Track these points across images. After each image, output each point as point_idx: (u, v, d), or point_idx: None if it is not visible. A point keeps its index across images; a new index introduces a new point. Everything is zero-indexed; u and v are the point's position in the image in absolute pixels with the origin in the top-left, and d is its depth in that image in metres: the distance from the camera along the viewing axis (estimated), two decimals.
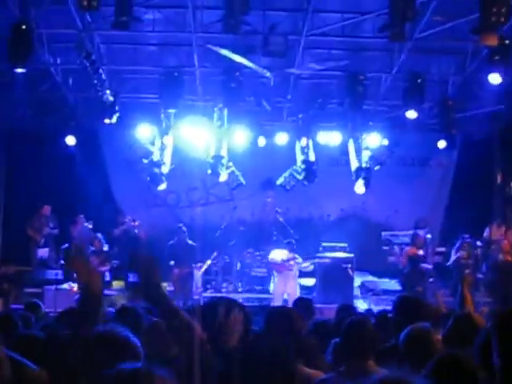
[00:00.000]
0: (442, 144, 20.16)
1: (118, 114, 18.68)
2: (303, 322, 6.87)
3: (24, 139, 20.51)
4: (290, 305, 13.28)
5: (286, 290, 17.86)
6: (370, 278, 20.02)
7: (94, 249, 18.02)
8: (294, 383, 3.56)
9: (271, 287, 18.72)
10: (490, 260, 17.96)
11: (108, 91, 18.18)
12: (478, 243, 18.69)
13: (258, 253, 19.88)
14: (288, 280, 18.28)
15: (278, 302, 16.81)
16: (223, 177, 20.09)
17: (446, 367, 4.04)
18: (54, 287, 17.98)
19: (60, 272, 19.16)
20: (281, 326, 6.01)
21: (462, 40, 16.17)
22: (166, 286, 18.53)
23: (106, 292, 17.75)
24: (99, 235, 18.68)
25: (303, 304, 9.45)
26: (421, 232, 18.53)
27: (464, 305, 7.97)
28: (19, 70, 15.35)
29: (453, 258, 17.77)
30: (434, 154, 21.28)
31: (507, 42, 14.64)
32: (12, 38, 14.53)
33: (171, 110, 18.55)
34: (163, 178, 19.70)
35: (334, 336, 6.74)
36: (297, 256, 18.56)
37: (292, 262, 18.40)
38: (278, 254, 18.62)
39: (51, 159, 19.53)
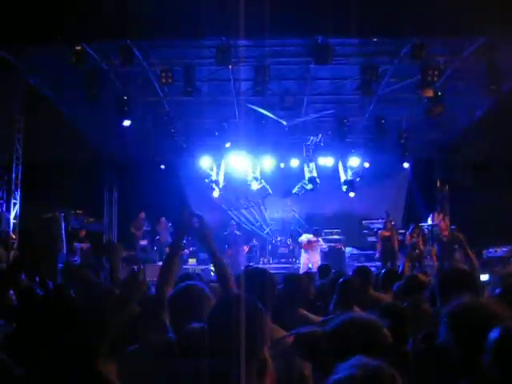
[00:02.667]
0: (406, 165, 20.24)
1: (187, 151, 18.90)
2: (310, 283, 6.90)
3: (130, 168, 20.72)
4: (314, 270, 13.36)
5: (311, 261, 17.76)
6: (355, 251, 19.89)
7: None
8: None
9: (301, 259, 18.57)
10: (433, 236, 17.85)
11: (181, 137, 18.44)
12: (425, 226, 18.58)
13: (281, 238, 19.90)
14: (313, 255, 18.22)
15: (303, 270, 16.73)
16: (255, 186, 20.07)
17: None
18: (151, 264, 18.12)
19: (155, 254, 19.35)
20: (291, 285, 5.97)
21: (410, 93, 16.13)
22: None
23: (184, 266, 17.96)
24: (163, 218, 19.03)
25: (325, 268, 9.49)
26: (389, 219, 18.44)
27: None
28: (126, 123, 15.50)
29: (407, 237, 17.61)
30: (395, 169, 21.14)
31: (439, 93, 14.62)
32: (116, 103, 14.75)
33: (227, 145, 18.52)
34: (218, 190, 19.88)
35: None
36: (320, 239, 18.52)
37: (315, 243, 18.33)
38: (306, 237, 18.58)
39: (145, 179, 19.58)
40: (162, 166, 19.92)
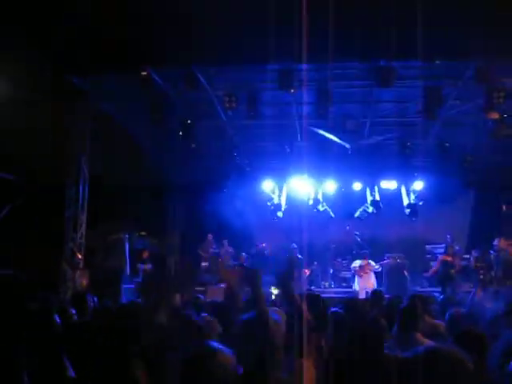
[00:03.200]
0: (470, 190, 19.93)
1: (250, 174, 19.07)
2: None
3: (193, 190, 21.00)
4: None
5: (366, 286, 17.62)
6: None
7: (239, 262, 18.17)
8: None
9: (355, 285, 18.44)
10: (500, 263, 17.39)
11: (244, 160, 18.63)
12: (491, 252, 18.14)
13: (344, 261, 19.74)
14: (367, 279, 18.11)
15: (362, 296, 16.60)
16: (317, 210, 20.05)
17: None
18: (213, 286, 18.24)
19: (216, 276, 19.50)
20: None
21: (475, 115, 15.92)
22: None
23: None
24: (244, 254, 18.91)
25: (377, 294, 9.44)
26: (452, 245, 18.11)
27: None
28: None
29: (472, 262, 17.28)
30: (459, 192, 20.80)
31: (505, 115, 14.38)
32: (180, 127, 15.06)
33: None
34: (279, 214, 19.93)
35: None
36: (370, 261, 18.38)
37: (367, 266, 18.24)
38: (358, 263, 18.49)
39: (208, 202, 19.78)
40: (225, 190, 20.07)
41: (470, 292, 12.63)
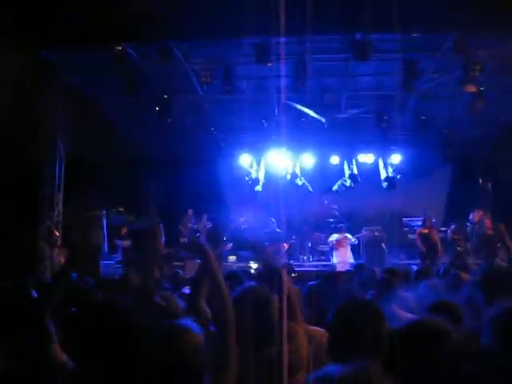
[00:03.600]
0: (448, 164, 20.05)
1: (227, 149, 18.99)
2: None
3: (170, 165, 20.82)
4: (345, 268, 13.28)
5: (343, 259, 17.73)
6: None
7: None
8: None
9: (333, 259, 18.52)
10: (476, 235, 17.55)
11: (220, 134, 18.54)
12: (468, 224, 18.31)
13: (322, 235, 19.75)
14: (344, 253, 18.23)
15: (339, 269, 16.68)
16: (295, 184, 20.12)
17: None
18: (191, 261, 18.23)
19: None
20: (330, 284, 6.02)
21: (452, 89, 15.95)
22: None
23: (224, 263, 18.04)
24: (205, 215, 18.86)
25: (360, 266, 9.51)
26: (429, 217, 18.22)
27: None
28: None
29: (449, 235, 17.41)
30: (436, 165, 20.89)
31: (482, 88, 14.39)
32: (156, 102, 14.90)
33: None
34: (258, 188, 19.91)
35: None
36: (347, 235, 18.48)
37: (344, 240, 18.35)
38: (334, 236, 18.59)
39: (185, 177, 19.68)
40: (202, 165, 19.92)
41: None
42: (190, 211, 20.18)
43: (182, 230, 19.95)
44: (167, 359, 2.81)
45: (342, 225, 18.98)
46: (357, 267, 9.40)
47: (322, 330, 4.37)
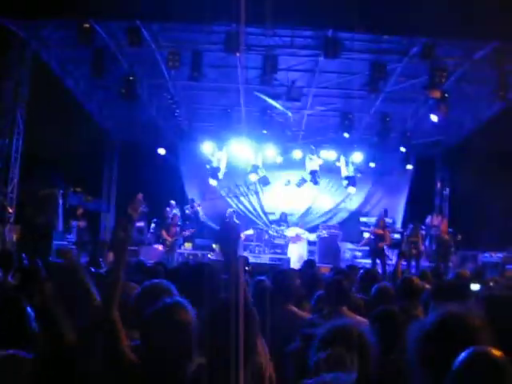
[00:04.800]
0: (409, 166, 20.21)
1: (190, 135, 18.88)
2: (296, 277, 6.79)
3: (131, 149, 20.60)
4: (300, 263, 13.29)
5: (299, 254, 17.79)
6: (351, 246, 19.84)
7: (173, 222, 17.86)
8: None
9: (288, 253, 18.60)
10: (431, 238, 17.81)
11: (184, 121, 18.43)
12: (423, 227, 18.55)
13: (278, 228, 19.75)
14: (300, 248, 18.33)
15: (293, 262, 16.76)
16: (254, 177, 20.09)
17: None
18: (146, 246, 18.13)
19: (150, 237, 19.29)
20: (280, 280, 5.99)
21: (417, 93, 16.15)
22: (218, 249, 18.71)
23: (180, 251, 17.99)
24: (178, 213, 18.58)
25: (310, 263, 9.50)
26: (386, 219, 18.41)
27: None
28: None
29: (405, 237, 17.67)
30: (397, 167, 21.12)
31: (446, 95, 14.55)
32: (122, 85, 14.72)
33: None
34: (218, 178, 19.84)
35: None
36: (305, 231, 18.58)
37: (302, 236, 18.45)
38: (293, 231, 18.69)
39: (146, 161, 19.52)
40: (161, 151, 19.67)
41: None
42: (140, 195, 19.98)
43: (132, 214, 19.72)
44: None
45: (302, 221, 19.12)
46: (306, 264, 9.31)
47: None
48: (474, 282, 7.04)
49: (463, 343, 2.37)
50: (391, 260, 17.46)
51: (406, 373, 3.65)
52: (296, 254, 17.90)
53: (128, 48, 13.83)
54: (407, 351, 2.62)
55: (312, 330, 3.04)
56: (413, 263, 15.89)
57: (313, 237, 18.76)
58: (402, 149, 19.21)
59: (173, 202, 19.68)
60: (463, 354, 2.34)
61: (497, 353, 2.31)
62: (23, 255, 8.28)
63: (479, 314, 2.68)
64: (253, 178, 20.16)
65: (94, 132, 19.62)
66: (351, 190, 20.07)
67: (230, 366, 2.72)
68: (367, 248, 17.81)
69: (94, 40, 13.07)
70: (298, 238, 18.55)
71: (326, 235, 18.83)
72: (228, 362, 2.75)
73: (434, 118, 15.25)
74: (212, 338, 2.90)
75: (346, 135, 17.61)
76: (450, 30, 11.95)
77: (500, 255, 15.74)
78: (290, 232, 18.86)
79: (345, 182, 20.05)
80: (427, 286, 5.53)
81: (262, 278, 6.65)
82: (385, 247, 16.89)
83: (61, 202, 15.84)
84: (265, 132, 17.69)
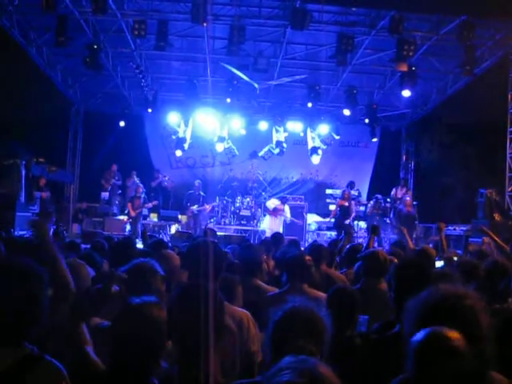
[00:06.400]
0: (374, 139, 20.41)
1: (155, 106, 18.71)
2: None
3: (96, 119, 20.32)
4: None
5: (273, 227, 17.77)
6: (317, 218, 19.95)
7: (137, 194, 17.73)
8: None
9: (263, 224, 18.63)
10: (395, 211, 17.95)
11: (150, 91, 18.24)
12: (388, 200, 18.73)
13: (244, 199, 19.71)
14: (276, 222, 18.36)
15: (268, 234, 16.73)
16: (220, 148, 20.03)
17: None
18: (111, 218, 18.00)
19: (116, 208, 19.15)
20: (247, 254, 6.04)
21: (384, 66, 16.19)
22: (185, 220, 18.70)
23: (145, 221, 17.95)
24: (141, 185, 18.41)
25: (278, 235, 9.54)
26: (352, 191, 18.56)
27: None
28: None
29: (369, 209, 17.82)
30: (362, 139, 21.29)
31: (413, 68, 14.59)
32: (87, 52, 14.46)
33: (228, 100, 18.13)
34: (183, 148, 19.75)
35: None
36: (285, 208, 18.56)
37: (281, 212, 18.45)
38: (273, 203, 18.69)
39: (112, 131, 19.37)
40: (121, 123, 19.48)
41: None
42: (115, 166, 19.82)
43: (104, 185, 19.63)
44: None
45: (285, 196, 19.20)
46: (274, 238, 9.28)
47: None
48: (438, 258, 7.14)
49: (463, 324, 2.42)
50: (356, 233, 17.63)
51: (360, 349, 3.74)
52: (271, 228, 17.86)
53: (93, 16, 13.58)
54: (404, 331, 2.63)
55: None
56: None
57: (289, 217, 18.69)
58: (366, 120, 19.34)
59: (134, 172, 19.58)
60: (420, 334, 2.38)
61: (454, 334, 2.35)
62: None
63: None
64: (219, 148, 20.09)
65: (58, 101, 19.33)
66: (314, 159, 20.07)
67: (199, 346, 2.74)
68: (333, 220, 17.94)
69: (57, 7, 12.78)
70: (276, 211, 18.49)
71: (291, 208, 18.86)
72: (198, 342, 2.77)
73: (406, 93, 15.22)
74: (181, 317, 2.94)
75: (310, 105, 17.65)
76: (418, 4, 11.99)
77: (463, 228, 15.92)
78: (270, 203, 18.83)
79: (311, 154, 20.09)
80: (395, 261, 5.53)
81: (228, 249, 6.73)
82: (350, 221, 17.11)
83: (23, 172, 15.61)
84: (228, 101, 17.57)
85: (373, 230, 7.53)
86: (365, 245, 7.51)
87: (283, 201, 18.74)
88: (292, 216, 18.59)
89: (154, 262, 4.02)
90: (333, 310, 3.86)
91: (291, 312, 2.81)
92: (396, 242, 11.02)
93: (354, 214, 17.52)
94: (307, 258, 5.54)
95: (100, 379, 2.85)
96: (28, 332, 2.59)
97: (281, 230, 17.09)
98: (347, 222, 17.03)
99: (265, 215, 19.10)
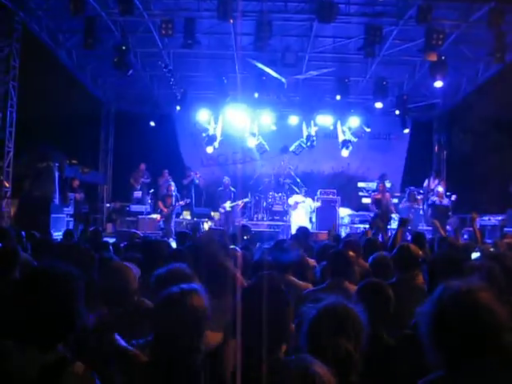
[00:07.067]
0: (406, 130, 20.24)
1: (185, 104, 18.79)
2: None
3: (126, 119, 20.51)
4: None
5: (299, 221, 17.75)
6: (350, 211, 19.82)
7: (168, 192, 17.79)
8: None
9: (290, 219, 18.60)
10: (428, 203, 17.74)
11: (179, 89, 18.31)
12: (421, 191, 18.57)
13: (276, 195, 19.68)
14: (301, 215, 18.35)
15: (294, 229, 16.71)
16: (252, 142, 20.01)
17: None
18: (144, 217, 18.10)
19: (148, 207, 19.26)
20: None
21: (413, 56, 16.01)
22: (217, 217, 18.77)
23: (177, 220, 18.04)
24: (172, 183, 18.46)
25: (303, 230, 9.47)
26: (386, 182, 18.41)
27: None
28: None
29: (402, 202, 17.68)
30: (394, 131, 21.13)
31: (443, 57, 14.42)
32: (115, 55, 14.57)
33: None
34: (214, 145, 19.79)
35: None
36: (308, 199, 18.55)
37: (304, 203, 18.44)
38: (295, 198, 18.68)
39: (142, 131, 19.51)
40: (152, 123, 19.63)
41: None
42: (143, 165, 19.98)
43: (134, 185, 19.79)
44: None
45: (305, 188, 19.13)
46: (301, 232, 9.13)
47: None
48: (474, 250, 6.98)
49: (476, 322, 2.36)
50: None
51: (394, 350, 3.65)
52: (297, 222, 17.87)
53: (120, 17, 13.68)
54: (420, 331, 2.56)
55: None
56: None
57: (314, 204, 18.66)
58: (397, 112, 19.17)
59: (166, 170, 19.74)
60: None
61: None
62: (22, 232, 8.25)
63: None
64: (251, 143, 20.08)
65: (89, 103, 19.53)
66: (344, 153, 19.99)
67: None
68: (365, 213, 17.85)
69: (85, 10, 12.90)
70: (296, 205, 18.54)
71: (323, 201, 18.76)
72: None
73: (438, 84, 15.04)
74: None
75: (338, 97, 17.57)
76: None
77: (498, 218, 15.71)
78: (293, 199, 18.85)
79: (342, 147, 19.98)
80: (420, 253, 5.40)
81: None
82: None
83: (57, 174, 15.79)
84: (256, 96, 17.59)
85: (402, 223, 7.33)
86: (391, 237, 7.33)
87: (304, 194, 18.89)
88: (324, 213, 18.45)
89: (185, 267, 3.98)
90: (366, 304, 3.79)
91: (327, 309, 2.79)
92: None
93: (392, 207, 17.32)
94: (351, 253, 5.47)
95: (145, 370, 2.88)
96: (63, 336, 2.61)
97: (307, 222, 17.17)
98: (393, 215, 16.85)
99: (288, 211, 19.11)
